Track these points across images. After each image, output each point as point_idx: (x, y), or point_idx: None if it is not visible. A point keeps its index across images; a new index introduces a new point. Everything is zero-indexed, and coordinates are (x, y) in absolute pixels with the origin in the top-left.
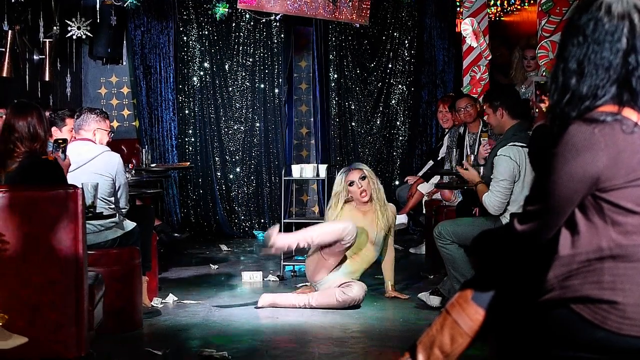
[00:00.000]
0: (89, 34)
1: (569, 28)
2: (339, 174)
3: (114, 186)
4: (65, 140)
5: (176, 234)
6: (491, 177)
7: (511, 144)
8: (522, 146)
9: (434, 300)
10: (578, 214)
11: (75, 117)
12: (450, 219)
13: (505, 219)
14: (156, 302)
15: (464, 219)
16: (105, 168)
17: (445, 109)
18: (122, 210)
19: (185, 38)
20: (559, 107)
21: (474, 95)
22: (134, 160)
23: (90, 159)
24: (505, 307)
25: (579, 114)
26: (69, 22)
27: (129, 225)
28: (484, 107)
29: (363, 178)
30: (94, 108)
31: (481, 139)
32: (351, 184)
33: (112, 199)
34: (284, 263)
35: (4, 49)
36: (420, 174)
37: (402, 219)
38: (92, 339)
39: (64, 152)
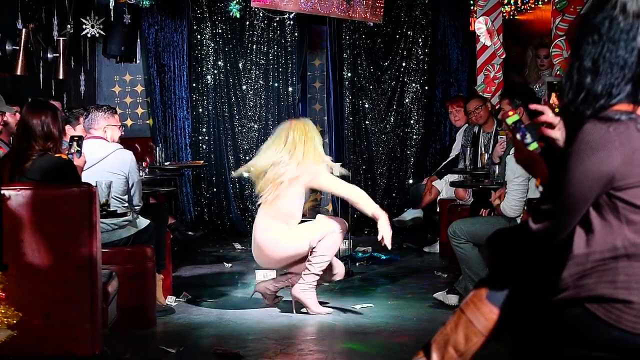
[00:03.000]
0: (102, 32)
1: (584, 26)
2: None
3: (127, 184)
4: (80, 137)
5: (190, 233)
6: (505, 179)
7: None
8: None
9: (452, 299)
10: (592, 212)
11: (84, 117)
12: (465, 218)
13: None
14: (170, 300)
15: (478, 218)
16: (119, 166)
17: (454, 109)
18: (136, 208)
19: (199, 36)
20: (574, 105)
21: (486, 95)
22: (147, 159)
23: (103, 158)
24: (520, 306)
25: (594, 112)
26: (83, 20)
27: (143, 222)
28: (502, 103)
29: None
30: (101, 105)
31: (499, 137)
32: None
33: (126, 197)
34: None
35: (18, 47)
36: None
37: (417, 213)
38: (106, 336)
39: (79, 149)
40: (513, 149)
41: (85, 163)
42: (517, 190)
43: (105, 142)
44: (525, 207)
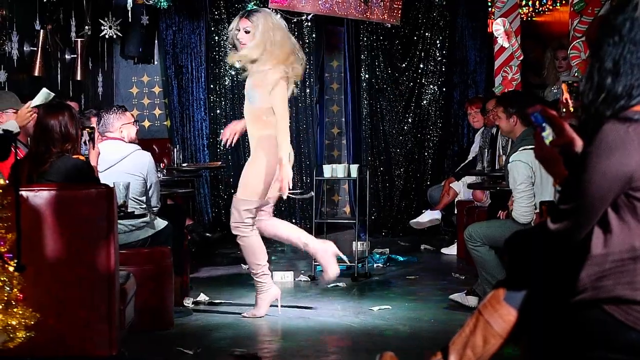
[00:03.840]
0: (119, 33)
1: (605, 28)
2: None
3: (145, 185)
4: (93, 129)
5: (207, 234)
6: (509, 187)
7: (522, 148)
8: (532, 148)
9: (471, 301)
10: (611, 213)
11: (97, 122)
12: (481, 221)
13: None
14: (187, 301)
15: (494, 221)
16: (136, 167)
17: (473, 110)
18: (153, 209)
19: (216, 38)
20: (594, 106)
21: None
22: (165, 160)
23: (121, 159)
24: (538, 307)
25: (614, 113)
26: (101, 21)
27: (161, 224)
28: (495, 110)
29: (247, 31)
30: (111, 107)
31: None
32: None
33: (144, 198)
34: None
35: (35, 48)
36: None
37: (435, 214)
38: (124, 338)
39: (92, 140)
40: (513, 155)
41: (100, 154)
42: (522, 196)
43: (123, 143)
44: (537, 211)
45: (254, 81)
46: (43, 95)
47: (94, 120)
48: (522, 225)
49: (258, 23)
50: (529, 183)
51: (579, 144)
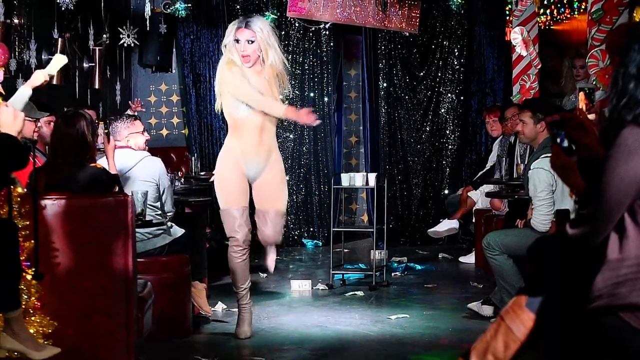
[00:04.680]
0: (136, 42)
1: (632, 35)
2: (231, 24)
3: (159, 191)
4: (105, 121)
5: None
6: (529, 194)
7: (543, 155)
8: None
9: (487, 310)
10: (627, 218)
11: (103, 127)
12: (499, 230)
13: None
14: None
15: (512, 230)
16: (148, 174)
17: (491, 119)
18: (168, 214)
19: None
20: (617, 110)
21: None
22: (183, 168)
23: (131, 167)
24: (555, 313)
25: (634, 117)
26: (120, 29)
27: (178, 231)
28: (522, 115)
29: (251, 42)
30: (121, 115)
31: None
32: (237, 41)
33: (158, 204)
34: (333, 272)
35: (54, 57)
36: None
37: (453, 224)
38: (142, 346)
39: (107, 134)
40: (534, 163)
41: (115, 148)
42: (542, 204)
43: (132, 151)
44: (554, 219)
45: (261, 86)
46: (58, 63)
47: (101, 124)
48: (540, 234)
49: (262, 30)
50: (549, 191)
51: (597, 152)
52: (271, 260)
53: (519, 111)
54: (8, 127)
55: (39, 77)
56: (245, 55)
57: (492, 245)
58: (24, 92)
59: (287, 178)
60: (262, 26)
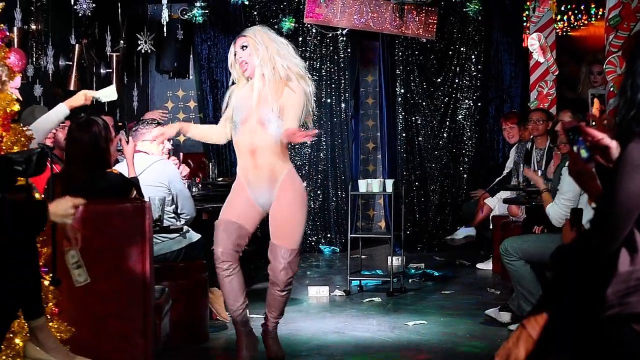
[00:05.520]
0: (153, 48)
1: (639, 44)
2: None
3: (170, 195)
4: (124, 124)
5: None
6: (557, 187)
7: None
8: None
9: (505, 317)
10: (636, 231)
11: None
12: (517, 235)
13: None
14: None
15: (530, 235)
16: (158, 178)
17: (508, 126)
18: (185, 218)
19: None
20: (626, 120)
21: (549, 111)
22: (200, 174)
23: (141, 172)
24: (570, 320)
25: None
26: (138, 35)
27: (194, 236)
28: (562, 114)
29: (244, 47)
30: (142, 119)
31: (554, 152)
32: (236, 54)
33: (171, 208)
34: (350, 278)
35: (71, 63)
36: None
37: (470, 231)
38: (159, 352)
39: (125, 133)
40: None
41: (134, 150)
42: (565, 204)
43: (146, 155)
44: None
45: (253, 101)
46: (107, 94)
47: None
48: (559, 239)
49: (255, 34)
50: (576, 193)
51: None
52: (271, 323)
53: (542, 115)
54: (56, 217)
55: (80, 99)
56: (241, 62)
57: (510, 251)
58: (61, 110)
59: (305, 184)
60: (256, 31)
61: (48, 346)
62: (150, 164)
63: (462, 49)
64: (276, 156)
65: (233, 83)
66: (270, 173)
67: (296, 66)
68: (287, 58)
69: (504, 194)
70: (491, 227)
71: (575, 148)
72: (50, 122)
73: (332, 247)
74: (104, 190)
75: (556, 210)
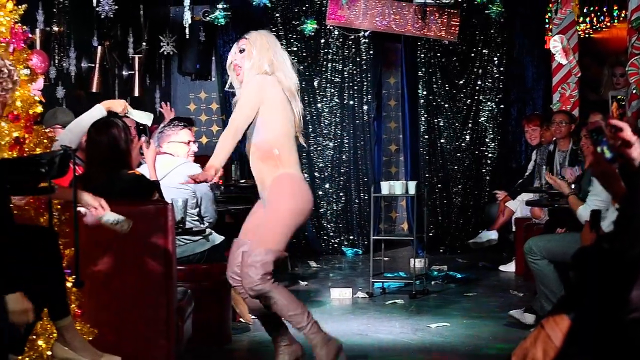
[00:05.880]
0: (175, 50)
1: None
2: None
3: (195, 197)
4: (145, 126)
5: None
6: (589, 188)
7: None
8: None
9: (529, 318)
10: None
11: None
12: (541, 235)
13: None
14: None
15: (554, 235)
16: (183, 180)
17: (530, 128)
18: (206, 221)
19: None
20: None
21: (572, 113)
22: (222, 177)
23: (167, 174)
24: (591, 322)
25: None
26: (160, 37)
27: (217, 238)
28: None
29: (242, 50)
30: (172, 120)
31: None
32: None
33: (195, 211)
34: (373, 280)
35: (93, 65)
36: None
37: (492, 235)
38: (181, 353)
39: (145, 136)
40: None
41: (156, 152)
42: (599, 206)
43: (171, 157)
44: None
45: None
46: (142, 116)
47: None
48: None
49: (254, 40)
50: (608, 194)
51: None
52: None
53: (565, 117)
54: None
55: (119, 105)
56: (235, 65)
57: (534, 250)
58: (98, 111)
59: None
60: (256, 36)
61: (75, 345)
62: (176, 166)
63: (484, 51)
64: (262, 163)
65: (231, 87)
66: (260, 179)
67: (290, 80)
68: (280, 69)
69: (526, 196)
70: (513, 229)
71: (599, 149)
72: (87, 122)
73: (355, 249)
74: (123, 191)
75: (586, 210)
